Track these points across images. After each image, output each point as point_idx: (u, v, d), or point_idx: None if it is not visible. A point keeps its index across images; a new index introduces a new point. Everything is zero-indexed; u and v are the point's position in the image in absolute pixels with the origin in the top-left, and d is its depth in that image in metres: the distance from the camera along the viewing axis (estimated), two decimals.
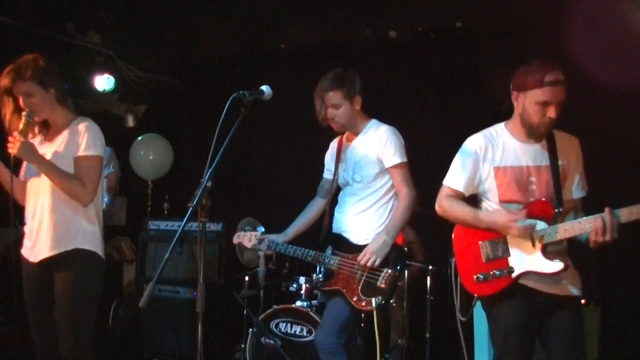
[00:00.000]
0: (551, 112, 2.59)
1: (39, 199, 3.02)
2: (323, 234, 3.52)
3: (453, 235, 2.89)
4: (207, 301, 2.42)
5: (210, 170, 2.39)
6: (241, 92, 2.57)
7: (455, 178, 2.85)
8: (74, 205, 2.99)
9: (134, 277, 5.74)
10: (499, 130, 2.81)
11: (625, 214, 2.46)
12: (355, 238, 3.37)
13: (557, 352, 2.63)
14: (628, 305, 4.31)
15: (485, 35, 4.93)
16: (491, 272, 2.68)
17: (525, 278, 2.66)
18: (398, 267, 3.24)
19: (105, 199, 4.30)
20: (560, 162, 2.69)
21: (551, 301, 2.65)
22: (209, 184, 2.40)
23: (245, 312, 4.54)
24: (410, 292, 4.57)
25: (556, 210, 2.62)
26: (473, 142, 2.82)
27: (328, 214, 3.55)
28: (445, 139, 5.26)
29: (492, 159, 2.76)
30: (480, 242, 2.76)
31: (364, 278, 3.25)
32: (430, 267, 4.50)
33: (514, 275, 2.65)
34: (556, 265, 2.59)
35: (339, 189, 3.58)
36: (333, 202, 3.58)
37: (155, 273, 4.35)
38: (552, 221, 2.61)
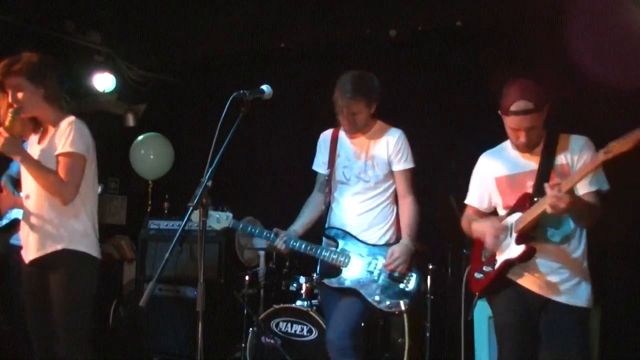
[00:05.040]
0: (521, 137, 2.74)
1: (30, 198, 3.01)
2: (324, 230, 3.44)
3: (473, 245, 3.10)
4: (207, 300, 2.42)
5: (210, 170, 2.40)
6: (241, 91, 2.58)
7: (470, 195, 3.09)
8: (60, 205, 2.96)
9: (134, 276, 5.74)
10: (504, 145, 2.98)
11: (569, 181, 2.52)
12: (365, 237, 3.32)
13: (548, 354, 2.71)
14: (628, 305, 4.31)
15: (485, 34, 4.93)
16: (484, 268, 2.87)
17: (521, 278, 2.76)
18: (419, 273, 3.27)
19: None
20: (557, 162, 2.75)
21: (541, 301, 2.72)
22: (209, 184, 2.40)
23: (245, 311, 4.54)
24: None
25: (534, 200, 2.69)
26: (480, 160, 3.05)
27: (327, 209, 3.48)
28: (445, 138, 5.29)
29: (494, 171, 2.94)
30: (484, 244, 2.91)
31: (382, 279, 3.22)
32: (430, 266, 4.50)
33: (496, 266, 2.79)
34: (519, 249, 2.70)
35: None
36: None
37: (155, 272, 4.35)
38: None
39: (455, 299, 4.35)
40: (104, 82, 5.86)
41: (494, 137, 5.00)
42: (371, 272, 3.25)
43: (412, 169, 3.34)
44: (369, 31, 5.11)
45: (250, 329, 4.46)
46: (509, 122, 2.76)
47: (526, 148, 2.79)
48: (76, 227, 2.99)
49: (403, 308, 3.19)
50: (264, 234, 3.38)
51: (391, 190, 3.36)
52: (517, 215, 2.77)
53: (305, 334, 4.24)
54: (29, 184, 3.00)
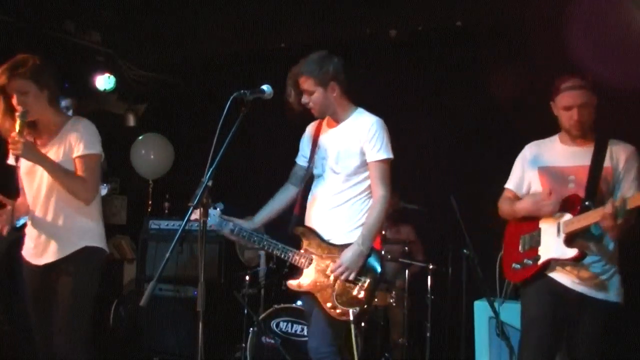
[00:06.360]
0: (574, 115, 2.82)
1: (43, 201, 3.00)
2: (292, 226, 3.21)
3: (505, 232, 3.17)
4: (208, 300, 2.42)
5: (210, 170, 2.40)
6: (242, 91, 2.58)
7: (510, 179, 3.15)
8: (76, 205, 2.98)
9: (134, 276, 5.75)
10: (552, 138, 3.05)
11: (632, 200, 2.61)
12: (328, 235, 3.09)
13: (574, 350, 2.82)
14: (628, 305, 4.30)
15: (485, 34, 4.93)
16: (524, 261, 2.92)
17: (554, 272, 2.84)
18: (378, 272, 3.01)
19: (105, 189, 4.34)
20: (605, 165, 2.82)
21: (575, 296, 2.79)
22: (209, 183, 2.40)
23: (245, 311, 4.54)
24: (411, 292, 4.59)
25: (586, 204, 2.76)
26: (526, 148, 3.11)
27: (299, 203, 3.26)
28: (445, 138, 5.30)
29: (538, 161, 3.01)
30: (521, 236, 3.01)
31: (338, 284, 2.99)
32: (430, 266, 4.51)
33: (539, 262, 2.85)
34: (571, 252, 2.75)
35: (311, 178, 3.30)
36: (305, 192, 3.30)
37: (155, 272, 4.35)
38: (578, 213, 2.77)
39: (455, 299, 4.36)
40: (104, 82, 5.86)
41: (494, 136, 5.03)
42: (328, 276, 3.02)
43: (388, 161, 3.06)
44: (369, 31, 5.11)
45: (251, 329, 4.46)
46: (562, 100, 2.83)
47: (579, 130, 2.84)
48: (91, 224, 3.05)
49: (351, 317, 2.91)
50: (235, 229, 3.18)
51: (366, 184, 3.10)
52: (566, 216, 2.80)
53: (305, 333, 4.24)
54: (42, 187, 2.99)
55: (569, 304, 2.81)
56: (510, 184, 3.14)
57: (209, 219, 2.78)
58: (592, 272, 2.80)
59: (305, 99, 3.13)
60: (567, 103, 2.82)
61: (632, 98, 4.14)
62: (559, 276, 2.83)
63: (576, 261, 2.76)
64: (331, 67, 3.12)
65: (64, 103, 4.43)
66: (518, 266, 2.94)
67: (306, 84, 3.10)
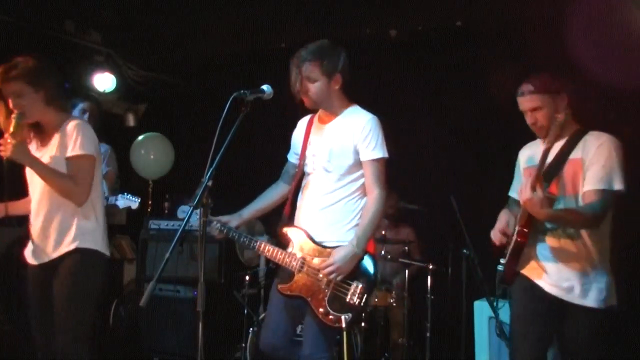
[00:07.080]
0: (528, 119, 2.86)
1: (39, 201, 3.02)
2: (281, 226, 3.12)
3: None
4: (208, 300, 2.42)
5: (211, 170, 2.40)
6: (242, 91, 2.58)
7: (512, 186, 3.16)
8: (71, 206, 2.98)
9: (134, 276, 5.74)
10: (540, 140, 3.01)
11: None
12: (320, 237, 2.98)
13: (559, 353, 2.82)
14: (628, 305, 4.31)
15: (485, 34, 4.93)
16: (501, 260, 2.97)
17: (527, 270, 2.84)
18: (372, 276, 2.92)
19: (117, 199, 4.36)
20: (572, 157, 2.78)
21: (559, 303, 2.76)
22: (209, 184, 2.40)
23: (245, 311, 4.55)
24: (411, 292, 4.59)
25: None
26: (519, 153, 3.11)
27: (290, 202, 3.16)
28: (445, 138, 5.30)
29: (523, 162, 3.04)
30: None
31: (330, 289, 2.89)
32: (430, 266, 4.51)
33: (502, 261, 2.93)
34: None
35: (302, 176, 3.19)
36: (295, 191, 3.19)
37: (155, 272, 4.34)
38: None
39: (455, 299, 4.36)
40: (104, 82, 5.86)
41: (494, 136, 5.03)
42: (320, 280, 2.91)
43: (383, 160, 2.95)
44: (369, 31, 5.11)
45: (251, 329, 4.46)
46: (519, 104, 2.86)
47: (540, 132, 2.84)
48: (86, 225, 3.03)
49: (343, 325, 2.80)
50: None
51: (359, 183, 2.98)
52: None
53: None
54: (41, 188, 3.00)
55: (551, 303, 2.77)
56: (511, 191, 3.15)
57: (192, 219, 2.64)
58: (563, 275, 2.75)
59: (305, 86, 2.96)
60: (520, 107, 2.85)
61: (632, 98, 4.14)
62: (537, 279, 2.81)
63: (517, 250, 2.79)
64: (341, 58, 2.99)
65: (81, 106, 4.45)
66: (501, 267, 2.96)
67: (312, 70, 2.93)
